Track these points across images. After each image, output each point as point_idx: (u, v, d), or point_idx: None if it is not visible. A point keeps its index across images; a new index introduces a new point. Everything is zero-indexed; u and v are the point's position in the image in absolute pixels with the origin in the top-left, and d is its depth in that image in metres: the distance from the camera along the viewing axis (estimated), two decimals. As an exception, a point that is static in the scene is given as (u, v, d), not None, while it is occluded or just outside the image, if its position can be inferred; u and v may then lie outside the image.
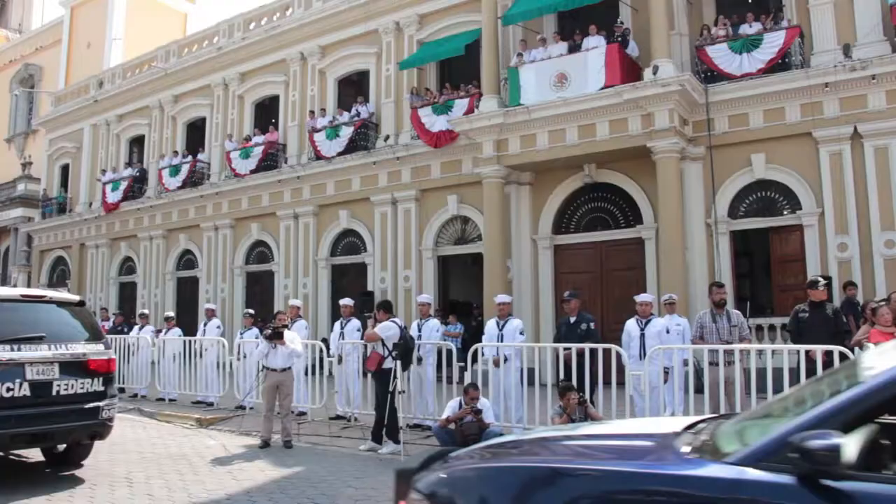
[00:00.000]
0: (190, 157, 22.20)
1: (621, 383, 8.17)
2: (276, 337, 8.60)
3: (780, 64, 12.95)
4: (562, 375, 8.41)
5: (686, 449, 2.50)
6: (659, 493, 2.30)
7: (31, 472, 7.09)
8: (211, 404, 11.92)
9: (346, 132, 18.19)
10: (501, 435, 8.22)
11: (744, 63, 13.13)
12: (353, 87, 19.77)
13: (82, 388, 6.44)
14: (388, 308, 8.70)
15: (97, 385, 6.57)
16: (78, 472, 6.96)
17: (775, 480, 2.11)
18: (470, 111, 15.52)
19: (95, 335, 6.92)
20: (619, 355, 8.07)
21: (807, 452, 2.03)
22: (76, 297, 7.45)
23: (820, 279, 7.87)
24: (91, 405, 6.47)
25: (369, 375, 8.75)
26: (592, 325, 8.71)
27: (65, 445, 6.97)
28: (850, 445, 2.05)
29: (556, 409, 7.46)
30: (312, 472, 7.13)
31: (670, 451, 2.55)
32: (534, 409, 8.47)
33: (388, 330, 8.21)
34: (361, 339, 10.01)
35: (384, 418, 8.10)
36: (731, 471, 2.20)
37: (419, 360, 9.74)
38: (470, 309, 17.09)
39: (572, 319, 8.76)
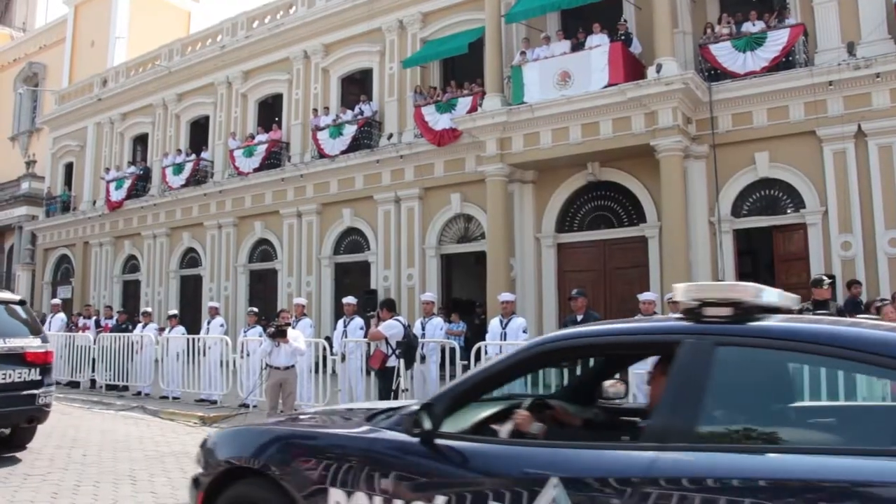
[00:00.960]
0: (193, 156, 22.23)
1: (624, 381, 8.16)
2: (279, 335, 8.62)
3: (783, 62, 12.93)
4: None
5: (365, 420, 3.45)
6: (342, 446, 3.25)
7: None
8: (214, 402, 11.94)
9: (350, 130, 18.19)
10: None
11: (747, 61, 13.10)
12: (357, 86, 19.78)
13: (20, 377, 7.26)
14: (391, 307, 8.72)
15: (34, 375, 7.40)
16: (81, 467, 7.00)
17: (403, 439, 3.03)
18: (473, 109, 15.51)
19: (34, 330, 7.78)
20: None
21: (415, 422, 2.95)
22: (17, 297, 8.27)
23: (824, 278, 7.86)
24: (28, 392, 7.29)
25: (372, 373, 8.77)
26: (598, 323, 8.71)
27: (9, 430, 7.70)
28: (438, 416, 2.95)
29: None
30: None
31: (357, 421, 3.52)
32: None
33: (391, 328, 8.23)
34: (365, 337, 10.03)
35: None
36: (380, 433, 3.17)
37: (422, 358, 9.76)
38: (473, 307, 17.09)
39: (579, 317, 8.78)
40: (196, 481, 3.60)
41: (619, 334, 3.26)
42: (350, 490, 2.98)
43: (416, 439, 2.96)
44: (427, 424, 2.91)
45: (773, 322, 2.69)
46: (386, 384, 8.15)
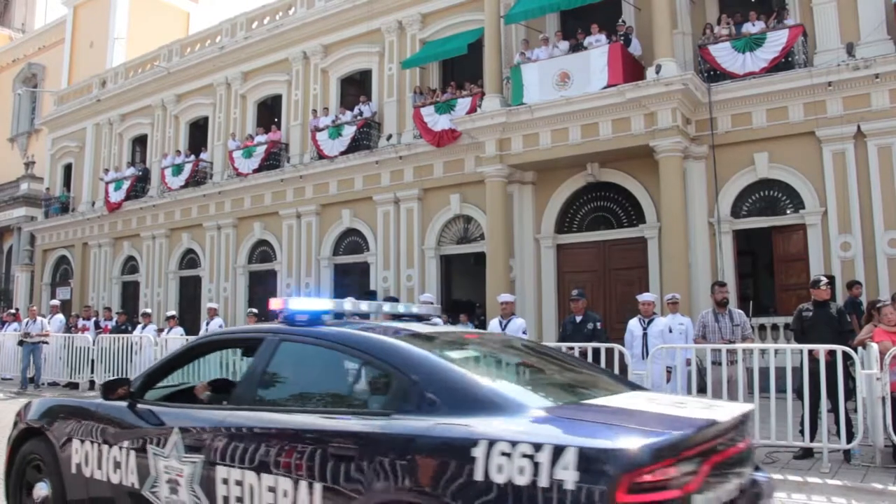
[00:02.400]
0: (192, 157, 22.20)
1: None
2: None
3: (783, 63, 12.93)
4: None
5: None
6: (83, 409, 4.52)
7: None
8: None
9: (349, 131, 18.18)
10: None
11: (747, 62, 13.11)
12: (356, 87, 19.77)
13: None
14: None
15: None
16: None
17: (119, 405, 4.22)
18: (472, 110, 15.51)
19: None
20: (622, 355, 8.08)
21: (102, 391, 4.33)
22: None
23: (822, 278, 7.84)
24: None
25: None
26: (599, 324, 8.70)
27: None
28: (140, 389, 4.28)
29: None
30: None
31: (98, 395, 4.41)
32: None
33: None
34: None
35: None
36: (104, 402, 4.30)
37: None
38: (473, 308, 17.07)
39: (578, 318, 8.75)
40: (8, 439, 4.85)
41: (235, 334, 5.44)
42: (82, 439, 4.25)
43: (125, 404, 4.18)
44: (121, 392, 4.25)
45: (317, 326, 3.86)
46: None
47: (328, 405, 3.60)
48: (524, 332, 9.32)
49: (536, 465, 2.66)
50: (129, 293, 24.44)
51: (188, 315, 20.27)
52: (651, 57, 13.54)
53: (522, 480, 2.66)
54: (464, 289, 18.47)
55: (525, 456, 2.70)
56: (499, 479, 2.71)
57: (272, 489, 3.32)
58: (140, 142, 25.42)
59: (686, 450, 2.74)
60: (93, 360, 14.20)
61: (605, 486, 2.55)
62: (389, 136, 17.97)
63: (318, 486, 3.16)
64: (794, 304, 9.68)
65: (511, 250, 15.24)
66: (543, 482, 2.63)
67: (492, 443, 2.77)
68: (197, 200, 21.85)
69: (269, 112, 21.49)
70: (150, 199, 23.31)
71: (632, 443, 2.62)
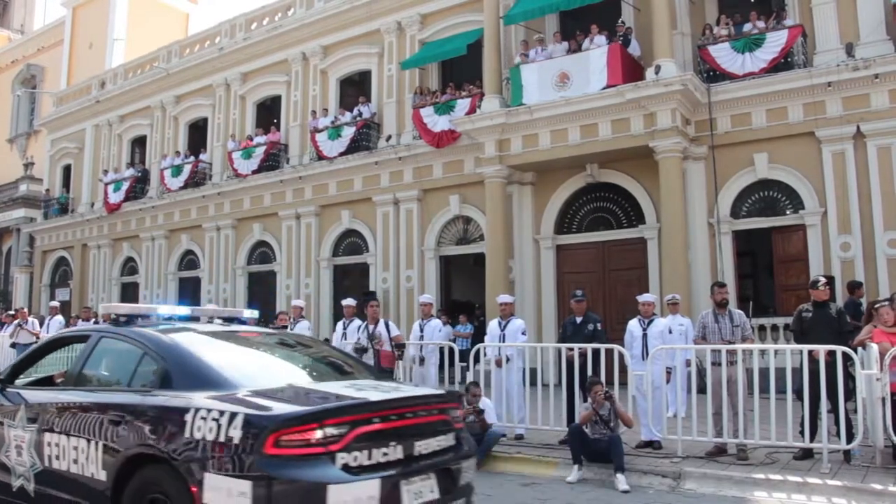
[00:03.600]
0: (192, 158, 22.18)
1: (624, 383, 8.17)
2: (275, 337, 8.59)
3: (782, 63, 12.93)
4: (564, 376, 8.39)
5: None
6: None
7: None
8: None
9: (348, 132, 18.17)
10: (504, 436, 8.24)
11: (746, 62, 13.10)
12: (355, 87, 19.76)
13: None
14: None
15: None
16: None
17: None
18: (472, 111, 15.50)
19: None
20: (621, 355, 8.06)
21: None
22: None
23: (821, 279, 7.82)
24: None
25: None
26: (599, 325, 8.66)
27: None
28: (9, 377, 5.30)
29: (585, 405, 7.47)
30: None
31: None
32: (536, 409, 8.46)
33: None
34: (357, 339, 9.97)
35: None
36: None
37: (421, 360, 9.73)
38: (472, 309, 17.07)
39: (578, 319, 8.72)
40: None
41: (74, 333, 6.70)
42: None
43: None
44: None
45: (127, 326, 4.97)
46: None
47: (116, 384, 4.77)
48: (523, 333, 9.28)
49: (219, 426, 3.73)
50: (129, 294, 24.40)
51: (187, 316, 20.24)
52: (650, 57, 13.53)
53: (211, 436, 3.75)
54: (463, 289, 18.47)
55: (214, 420, 3.77)
56: (198, 435, 3.79)
57: (75, 448, 4.41)
58: (139, 143, 25.41)
59: (329, 419, 3.70)
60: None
61: (256, 440, 3.59)
62: (389, 137, 17.96)
63: (100, 444, 4.27)
64: (794, 304, 9.67)
65: (510, 251, 15.23)
66: (223, 438, 3.70)
67: (197, 410, 3.87)
68: (196, 201, 21.84)
69: (268, 113, 21.48)
70: (149, 201, 23.29)
71: (278, 412, 3.70)
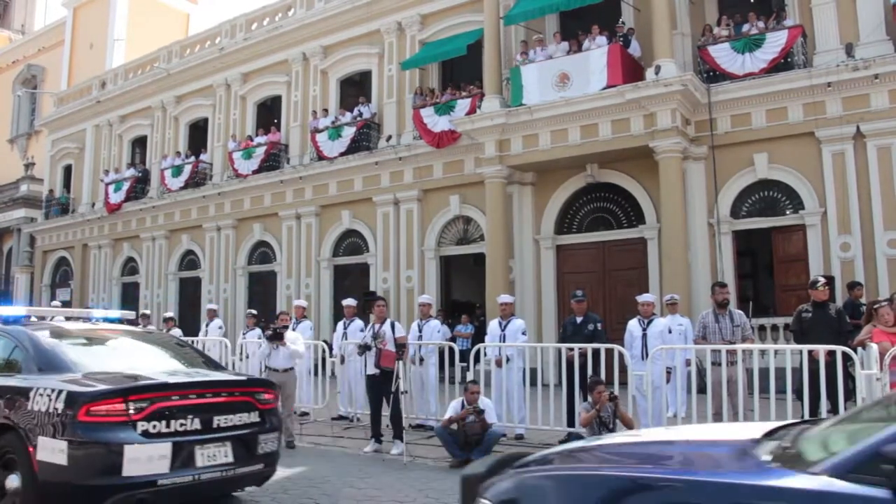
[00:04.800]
0: (192, 158, 22.20)
1: (624, 383, 8.17)
2: (276, 338, 8.59)
3: (782, 63, 12.93)
4: (564, 376, 8.40)
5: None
6: None
7: None
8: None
9: (349, 132, 18.19)
10: (504, 436, 8.24)
11: (746, 63, 13.11)
12: (356, 88, 19.77)
13: None
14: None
15: None
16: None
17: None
18: (472, 111, 15.51)
19: None
20: (621, 355, 8.07)
21: None
22: None
23: (820, 279, 7.84)
24: None
25: (364, 376, 8.73)
26: (599, 325, 8.67)
27: None
28: None
29: (584, 405, 7.44)
30: (315, 472, 7.13)
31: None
32: (536, 409, 8.47)
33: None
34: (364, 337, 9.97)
35: (401, 413, 8.05)
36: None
37: (421, 360, 9.74)
38: (472, 309, 17.08)
39: (579, 319, 8.73)
40: None
41: None
42: None
43: None
44: None
45: (9, 325, 5.99)
46: (387, 386, 8.09)
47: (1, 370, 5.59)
48: (523, 333, 9.30)
49: (50, 400, 4.76)
50: (129, 294, 24.43)
51: (188, 316, 20.28)
52: (650, 58, 13.54)
53: (44, 408, 4.76)
54: (463, 290, 18.49)
55: (47, 396, 4.79)
56: (36, 407, 4.80)
57: None
58: (140, 143, 25.43)
59: (132, 395, 4.70)
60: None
61: (72, 410, 4.61)
62: (389, 137, 17.97)
63: None
64: (794, 304, 9.68)
65: (511, 251, 15.23)
66: (51, 409, 4.71)
67: (38, 389, 4.88)
68: (197, 201, 21.85)
69: (268, 113, 21.49)
70: (149, 201, 23.31)
71: (90, 389, 4.73)
